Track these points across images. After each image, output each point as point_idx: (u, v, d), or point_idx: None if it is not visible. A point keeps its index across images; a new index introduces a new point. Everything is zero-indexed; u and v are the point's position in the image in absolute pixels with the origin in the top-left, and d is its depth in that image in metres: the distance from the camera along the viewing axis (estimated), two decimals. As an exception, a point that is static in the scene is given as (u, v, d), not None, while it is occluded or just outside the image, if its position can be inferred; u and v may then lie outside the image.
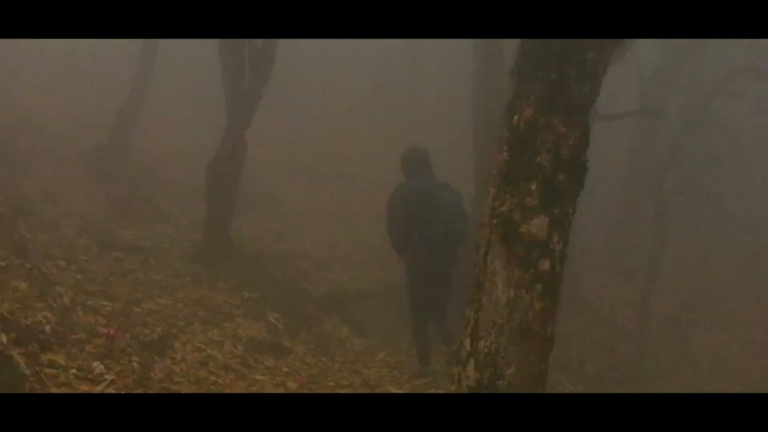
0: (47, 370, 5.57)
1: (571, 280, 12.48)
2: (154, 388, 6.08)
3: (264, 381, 7.30)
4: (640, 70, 17.48)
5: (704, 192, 15.47)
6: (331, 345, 9.32)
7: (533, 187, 4.17)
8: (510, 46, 4.76)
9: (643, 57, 17.11)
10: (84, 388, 5.59)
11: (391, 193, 8.52)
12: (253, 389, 6.96)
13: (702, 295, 16.32)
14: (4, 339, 5.58)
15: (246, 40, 10.64)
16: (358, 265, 12.59)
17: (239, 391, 6.73)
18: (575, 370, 10.88)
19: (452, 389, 4.35)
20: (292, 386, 7.38)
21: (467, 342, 4.29)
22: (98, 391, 5.62)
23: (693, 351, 14.04)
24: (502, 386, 4.15)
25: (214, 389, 6.61)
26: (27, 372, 5.25)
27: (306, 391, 7.29)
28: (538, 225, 4.16)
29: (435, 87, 22.88)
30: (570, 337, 11.73)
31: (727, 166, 18.17)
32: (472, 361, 4.25)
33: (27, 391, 5.04)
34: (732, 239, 18.20)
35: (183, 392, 6.24)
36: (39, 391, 5.16)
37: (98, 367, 6.06)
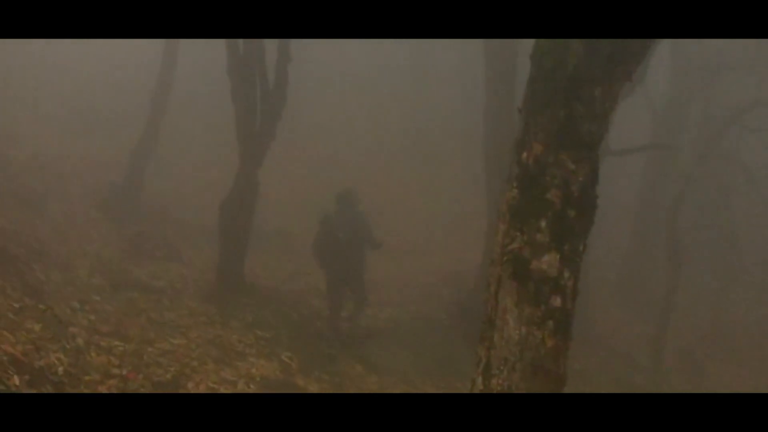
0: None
1: (586, 316, 12.46)
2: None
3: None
4: (651, 105, 17.47)
5: (719, 226, 15.39)
6: (344, 383, 9.28)
7: (543, 223, 4.16)
8: (522, 81, 4.75)
9: (654, 91, 17.12)
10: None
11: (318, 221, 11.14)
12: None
13: (718, 330, 16.21)
14: (17, 381, 5.59)
15: (258, 81, 10.71)
16: (371, 304, 12.54)
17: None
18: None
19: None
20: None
21: (479, 380, 4.26)
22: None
23: (709, 386, 13.90)
24: (515, 424, 4.12)
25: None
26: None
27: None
28: (548, 262, 4.14)
29: (452, 122, 22.90)
30: (585, 372, 11.66)
31: (742, 200, 18.11)
32: (484, 399, 4.23)
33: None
34: (747, 273, 18.07)
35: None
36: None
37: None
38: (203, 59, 19.07)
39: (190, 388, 7.41)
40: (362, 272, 11.29)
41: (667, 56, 17.11)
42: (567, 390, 4.34)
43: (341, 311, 11.22)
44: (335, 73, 24.18)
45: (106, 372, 6.97)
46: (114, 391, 6.58)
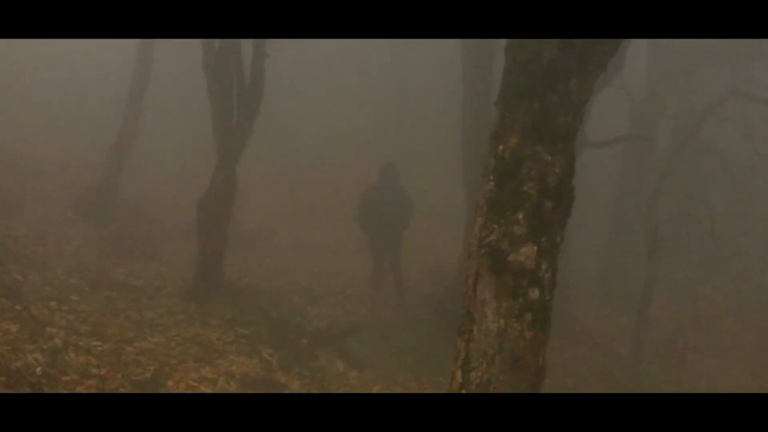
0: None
1: (565, 309, 12.49)
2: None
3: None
4: (628, 96, 17.49)
5: (697, 217, 15.44)
6: (326, 379, 9.27)
7: (520, 216, 4.16)
8: (498, 76, 4.74)
9: (631, 83, 17.16)
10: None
11: (362, 192, 12.73)
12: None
13: (697, 320, 16.26)
14: (-6, 382, 5.54)
15: (234, 78, 10.66)
16: (352, 300, 12.54)
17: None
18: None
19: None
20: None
21: (458, 373, 4.26)
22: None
23: (689, 376, 13.95)
24: (494, 417, 4.11)
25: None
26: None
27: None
28: (526, 254, 4.15)
29: (431, 118, 22.89)
30: (565, 365, 11.68)
31: (719, 190, 18.18)
32: (463, 392, 4.22)
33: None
34: (725, 263, 18.14)
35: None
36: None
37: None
38: (179, 56, 18.98)
39: (170, 386, 7.38)
40: (400, 248, 12.63)
41: (644, 47, 17.15)
42: (546, 382, 4.34)
43: (382, 278, 12.71)
44: (314, 69, 24.13)
45: (85, 372, 6.93)
46: (93, 391, 6.54)
